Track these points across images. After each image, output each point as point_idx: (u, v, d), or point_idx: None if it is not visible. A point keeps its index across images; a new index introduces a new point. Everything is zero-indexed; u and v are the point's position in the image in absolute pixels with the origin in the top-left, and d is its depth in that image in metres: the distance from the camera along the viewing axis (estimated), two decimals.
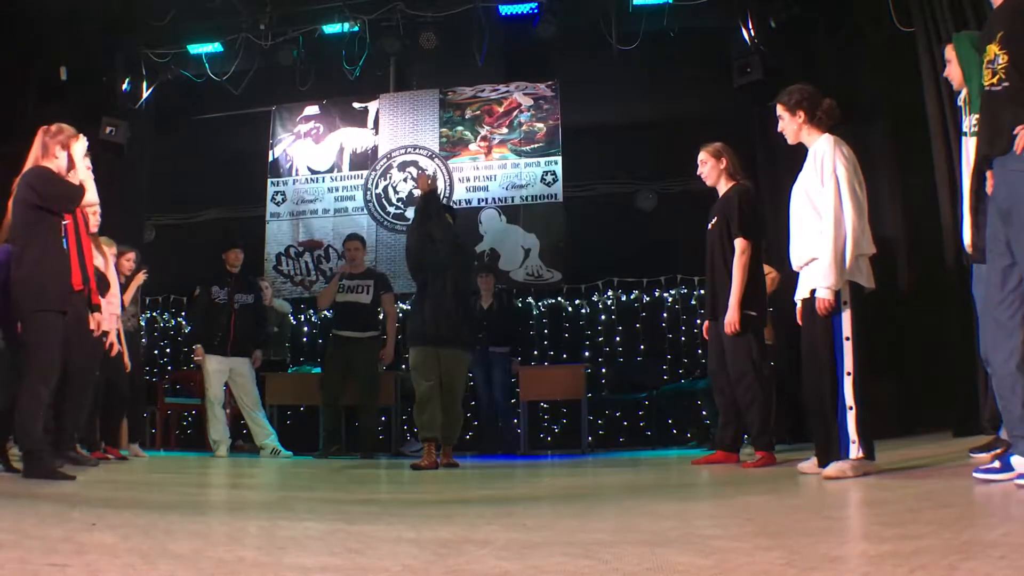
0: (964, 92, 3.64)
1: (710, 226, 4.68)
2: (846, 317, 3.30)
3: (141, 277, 6.12)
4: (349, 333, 6.73)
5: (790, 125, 3.61)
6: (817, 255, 3.37)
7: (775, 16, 7.12)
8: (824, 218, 3.34)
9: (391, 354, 6.93)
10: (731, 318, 4.38)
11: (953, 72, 3.71)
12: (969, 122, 3.50)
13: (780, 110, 3.64)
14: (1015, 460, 2.59)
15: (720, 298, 4.52)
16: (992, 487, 2.58)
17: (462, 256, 5.45)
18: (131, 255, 6.21)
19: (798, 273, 3.59)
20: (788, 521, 2.17)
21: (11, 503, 2.75)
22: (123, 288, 6.02)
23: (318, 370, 7.63)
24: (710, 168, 4.70)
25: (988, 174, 2.82)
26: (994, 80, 2.70)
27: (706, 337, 4.81)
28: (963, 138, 3.62)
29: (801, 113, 3.56)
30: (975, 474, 2.70)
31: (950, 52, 3.72)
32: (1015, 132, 2.56)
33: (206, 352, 6.80)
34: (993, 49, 2.71)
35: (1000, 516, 2.13)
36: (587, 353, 8.14)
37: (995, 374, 2.72)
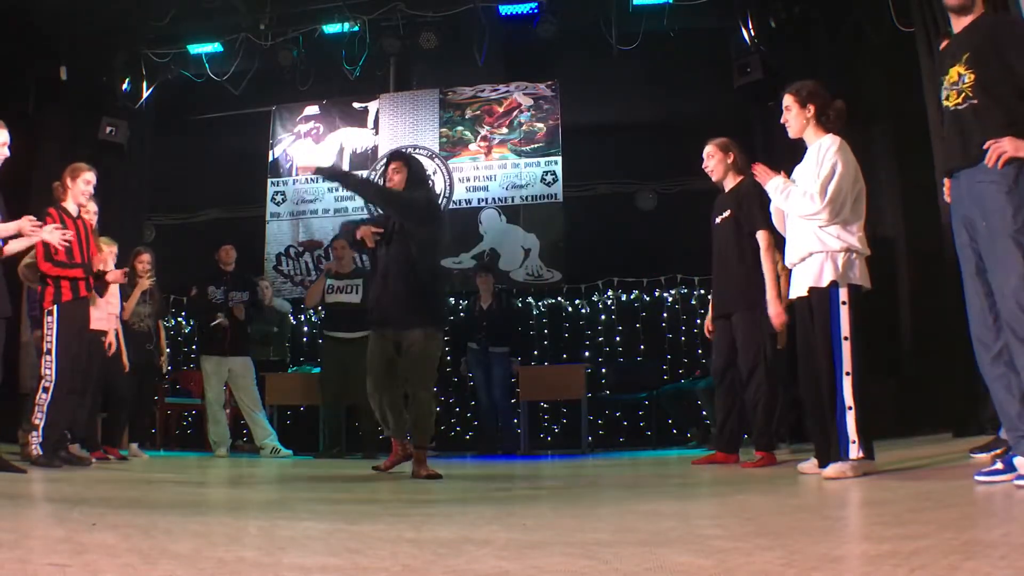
0: None
1: (718, 220, 4.59)
2: (844, 317, 3.30)
3: (146, 283, 6.10)
4: (340, 334, 6.72)
5: (797, 119, 3.56)
6: (812, 248, 3.40)
7: (775, 16, 7.12)
8: (808, 188, 3.38)
9: None
10: (776, 310, 4.18)
11: None
12: None
13: (790, 101, 3.58)
14: (1018, 461, 2.60)
15: (730, 294, 4.45)
16: (993, 487, 2.58)
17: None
18: (145, 257, 6.21)
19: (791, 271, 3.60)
20: (788, 521, 2.17)
21: (11, 503, 2.75)
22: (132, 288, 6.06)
23: (318, 370, 7.63)
24: (716, 162, 4.62)
25: (946, 183, 2.91)
26: (959, 100, 2.79)
27: (708, 335, 4.76)
28: None
29: (812, 108, 3.52)
30: (977, 477, 2.70)
31: None
32: (984, 147, 2.62)
33: (205, 353, 6.79)
34: (958, 70, 2.79)
35: (1001, 516, 2.13)
36: (587, 353, 8.13)
37: (987, 375, 2.76)
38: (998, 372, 2.70)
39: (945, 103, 2.86)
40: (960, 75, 2.78)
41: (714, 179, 4.70)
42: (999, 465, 2.69)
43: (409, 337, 4.15)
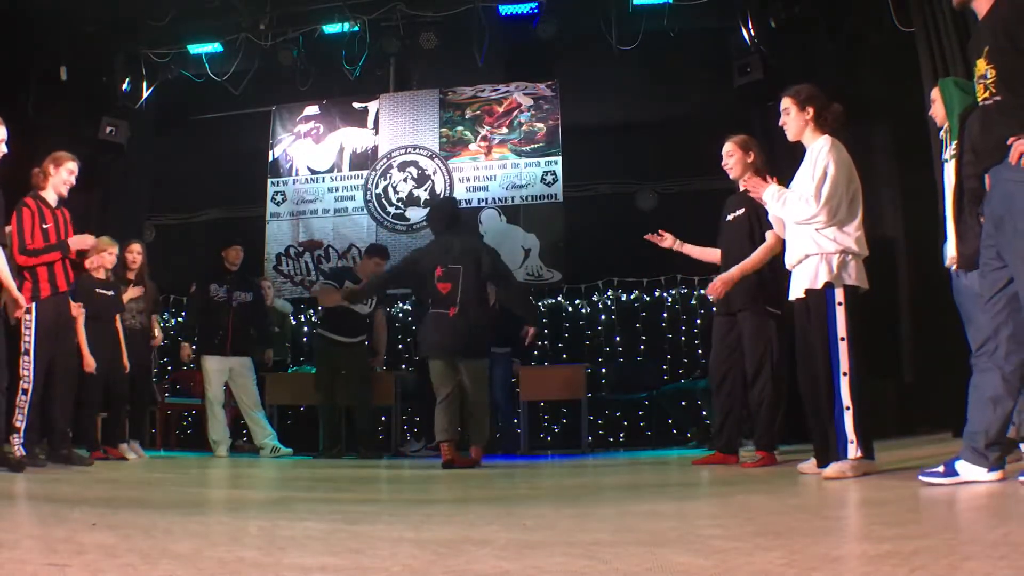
0: (946, 126, 3.72)
1: (730, 218, 4.56)
2: (841, 317, 3.30)
3: (136, 291, 6.08)
4: (340, 338, 6.70)
5: (796, 121, 3.56)
6: (808, 250, 3.41)
7: (775, 16, 7.12)
8: (803, 192, 3.38)
9: (382, 361, 7.11)
10: (725, 277, 4.22)
11: (937, 111, 3.77)
12: (948, 150, 3.59)
13: (788, 103, 3.58)
14: (959, 465, 2.68)
15: (737, 293, 4.39)
16: (992, 487, 2.59)
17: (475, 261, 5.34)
18: (133, 246, 6.18)
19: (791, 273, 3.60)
20: (788, 521, 2.17)
21: (11, 503, 2.75)
22: (127, 283, 6.05)
23: None
24: (736, 161, 4.54)
25: (986, 179, 2.87)
26: (986, 95, 2.74)
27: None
28: (944, 164, 3.72)
29: (810, 110, 3.52)
30: (920, 477, 2.75)
31: (935, 94, 3.79)
32: (1008, 143, 2.60)
33: (205, 352, 6.78)
34: (982, 64, 2.74)
35: (1000, 516, 2.13)
36: (587, 353, 8.13)
37: (978, 370, 2.78)
38: (982, 364, 2.73)
39: (978, 96, 2.81)
40: (985, 69, 2.74)
41: (731, 176, 4.62)
42: (940, 468, 2.74)
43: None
